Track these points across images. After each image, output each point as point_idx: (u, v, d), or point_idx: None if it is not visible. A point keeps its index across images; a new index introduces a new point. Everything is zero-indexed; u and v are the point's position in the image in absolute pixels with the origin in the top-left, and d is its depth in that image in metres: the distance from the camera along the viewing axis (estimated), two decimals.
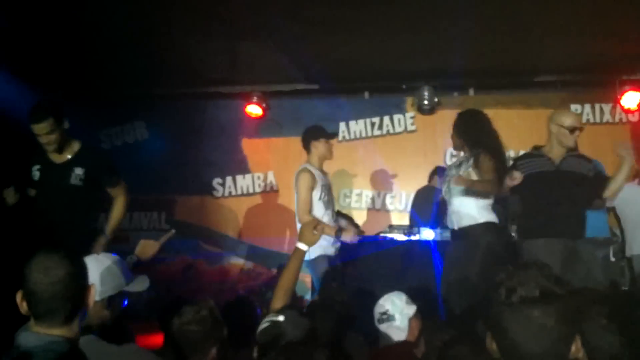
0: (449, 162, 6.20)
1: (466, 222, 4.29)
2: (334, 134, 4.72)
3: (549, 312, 1.55)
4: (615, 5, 4.77)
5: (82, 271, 1.85)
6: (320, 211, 4.59)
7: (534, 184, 4.05)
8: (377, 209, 6.79)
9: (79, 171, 4.05)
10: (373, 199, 6.86)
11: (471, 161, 4.25)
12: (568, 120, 4.03)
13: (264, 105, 6.82)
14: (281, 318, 2.35)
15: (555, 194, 4.00)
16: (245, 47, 5.73)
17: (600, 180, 4.14)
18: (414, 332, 3.04)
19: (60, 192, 4.05)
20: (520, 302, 1.56)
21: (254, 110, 6.84)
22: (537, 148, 4.26)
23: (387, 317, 3.07)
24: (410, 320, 3.04)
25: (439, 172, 5.84)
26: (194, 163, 7.01)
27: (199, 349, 2.46)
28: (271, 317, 2.38)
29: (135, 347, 2.55)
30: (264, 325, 2.38)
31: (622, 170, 3.99)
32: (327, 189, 4.77)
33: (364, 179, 6.89)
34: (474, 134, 4.36)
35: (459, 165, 4.43)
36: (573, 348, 1.60)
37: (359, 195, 6.90)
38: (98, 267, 2.38)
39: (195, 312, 2.52)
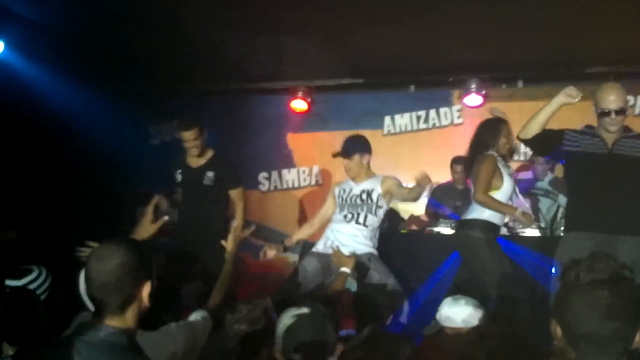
0: None
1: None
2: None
3: (618, 293, 1.54)
4: None
5: (138, 263, 1.85)
6: None
7: (581, 167, 3.68)
8: (422, 203, 6.72)
9: (210, 174, 4.88)
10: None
11: None
12: (601, 103, 3.56)
13: (308, 99, 6.85)
14: (306, 310, 2.30)
15: (601, 182, 3.57)
16: (290, 42, 5.74)
17: None
18: None
19: (196, 191, 4.91)
20: (589, 284, 1.56)
21: (299, 105, 6.88)
22: (590, 127, 3.80)
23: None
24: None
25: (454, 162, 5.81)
26: (240, 158, 7.06)
27: (248, 349, 2.48)
28: (295, 311, 2.32)
29: (172, 331, 2.59)
30: (289, 320, 2.29)
31: None
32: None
33: (409, 173, 6.83)
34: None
35: None
36: (637, 337, 1.58)
37: None
38: None
39: (249, 312, 2.52)
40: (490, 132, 4.32)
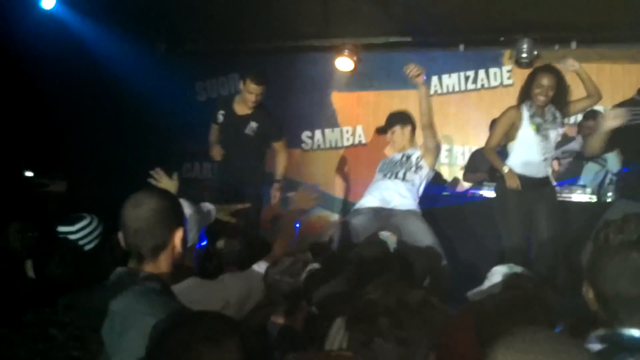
0: None
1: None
2: None
3: None
4: None
5: (170, 210, 1.90)
6: None
7: (635, 137, 3.58)
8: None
9: (253, 124, 4.97)
10: (463, 155, 6.71)
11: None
12: None
13: (355, 58, 6.77)
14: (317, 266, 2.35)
15: None
16: None
17: None
18: None
19: (235, 138, 5.00)
20: (619, 245, 1.60)
21: (344, 63, 6.81)
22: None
23: None
24: None
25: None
26: (284, 116, 7.07)
27: (289, 301, 2.53)
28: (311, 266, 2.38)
29: (228, 277, 2.67)
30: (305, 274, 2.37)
31: None
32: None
33: (455, 134, 6.75)
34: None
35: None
36: None
37: (449, 150, 6.78)
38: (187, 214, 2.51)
39: (291, 264, 2.57)
40: (526, 82, 4.28)
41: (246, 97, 4.89)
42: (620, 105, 3.70)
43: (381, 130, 4.98)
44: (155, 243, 1.84)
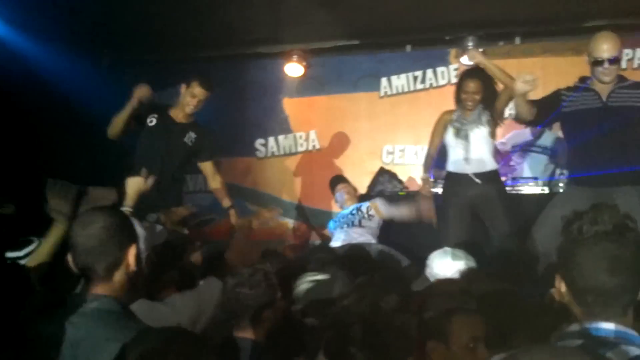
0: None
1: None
2: None
3: (622, 245, 1.53)
4: None
5: (122, 227, 1.85)
6: None
7: (577, 123, 3.59)
8: (421, 164, 6.70)
9: (192, 135, 4.71)
10: (417, 155, 6.77)
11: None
12: (594, 52, 3.48)
13: (304, 63, 6.76)
14: (325, 276, 2.34)
15: (597, 135, 3.48)
16: (285, 4, 5.65)
17: None
18: None
19: (171, 145, 4.67)
20: (593, 237, 1.54)
21: (294, 69, 6.79)
22: (583, 80, 3.69)
23: None
24: None
25: None
26: (236, 125, 7.04)
27: (249, 312, 2.49)
28: (313, 277, 2.36)
29: (179, 299, 2.61)
30: (307, 285, 2.35)
31: None
32: None
33: (407, 134, 6.80)
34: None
35: None
36: None
37: (402, 151, 6.83)
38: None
39: (250, 276, 2.53)
40: (455, 88, 4.48)
41: (187, 102, 4.65)
42: (567, 89, 3.72)
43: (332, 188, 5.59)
44: (108, 262, 1.79)
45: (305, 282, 2.38)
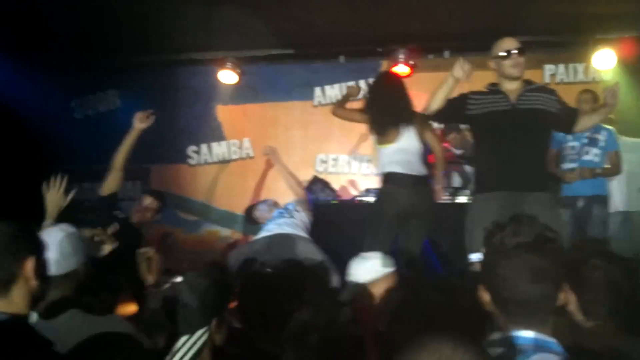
0: None
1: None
2: None
3: (543, 254, 1.57)
4: None
5: (16, 239, 1.76)
6: None
7: (486, 127, 3.59)
8: (354, 174, 6.79)
9: None
10: (349, 164, 6.85)
11: None
12: (499, 47, 3.53)
13: (238, 71, 6.73)
14: (179, 279, 2.34)
15: (506, 139, 3.48)
16: (218, 11, 5.61)
17: (567, 114, 3.64)
18: None
19: None
20: (515, 248, 1.58)
21: (228, 76, 6.75)
22: (493, 84, 3.67)
23: None
24: None
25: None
26: (168, 131, 6.93)
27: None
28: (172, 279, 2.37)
29: (118, 317, 2.54)
30: (165, 286, 2.36)
31: (600, 111, 3.67)
32: None
33: (340, 144, 6.87)
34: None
35: None
36: (561, 296, 1.63)
37: (336, 160, 6.89)
38: (58, 239, 2.37)
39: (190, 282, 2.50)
40: None
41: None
42: (475, 93, 3.69)
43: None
44: (2, 277, 1.68)
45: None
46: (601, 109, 3.68)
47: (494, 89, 3.61)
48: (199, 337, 1.98)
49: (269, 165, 6.42)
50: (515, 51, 3.49)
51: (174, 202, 6.83)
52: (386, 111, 4.36)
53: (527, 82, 3.62)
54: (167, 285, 2.36)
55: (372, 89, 4.67)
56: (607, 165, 4.99)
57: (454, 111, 3.63)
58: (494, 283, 1.62)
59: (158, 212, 4.68)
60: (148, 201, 4.64)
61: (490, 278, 1.63)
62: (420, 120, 4.30)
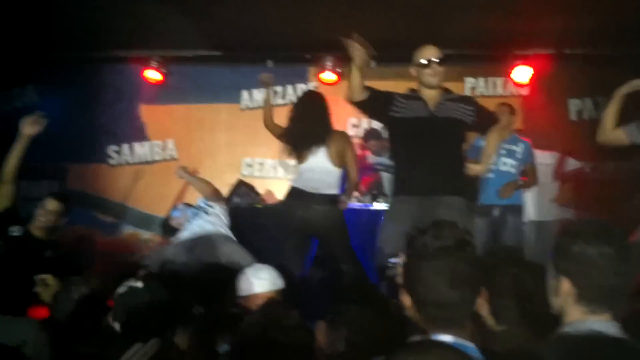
0: (350, 132, 6.24)
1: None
2: None
3: (463, 258, 1.62)
4: None
5: None
6: None
7: (404, 131, 3.65)
8: (279, 178, 6.79)
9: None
10: (275, 168, 6.85)
11: None
12: (420, 55, 3.60)
13: (163, 70, 6.62)
14: (140, 284, 2.33)
15: (423, 145, 3.55)
16: (144, 9, 5.50)
17: (483, 123, 3.73)
18: None
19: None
20: (436, 251, 1.61)
21: (152, 75, 6.62)
22: (414, 90, 3.74)
23: None
24: None
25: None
26: (88, 130, 6.73)
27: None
28: (130, 283, 2.35)
29: (30, 320, 2.47)
30: (122, 289, 2.34)
31: (498, 134, 3.77)
32: None
33: (267, 148, 6.85)
34: None
35: None
36: (479, 300, 1.69)
37: (262, 164, 6.88)
38: None
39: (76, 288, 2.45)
40: None
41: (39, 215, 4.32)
42: (400, 95, 3.76)
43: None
44: None
45: (122, 287, 2.36)
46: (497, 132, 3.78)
47: (414, 95, 3.68)
48: (152, 345, 1.97)
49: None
50: (436, 60, 3.57)
51: (92, 202, 6.64)
52: (300, 133, 4.44)
53: (447, 91, 3.71)
54: (123, 290, 2.30)
55: (294, 107, 4.68)
56: (522, 177, 5.21)
57: (379, 108, 3.69)
58: (414, 286, 1.64)
59: (63, 215, 4.41)
60: (52, 205, 4.37)
61: (410, 281, 1.66)
62: (340, 140, 4.37)
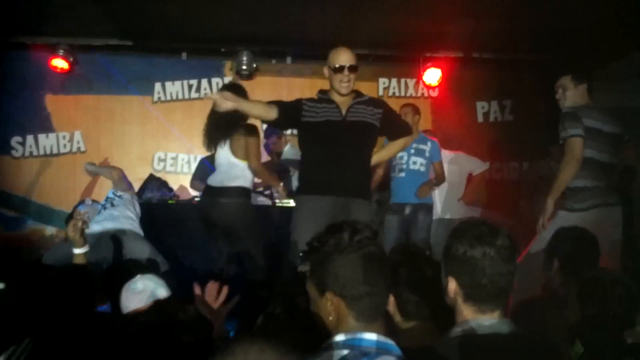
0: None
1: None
2: None
3: (377, 251, 1.68)
4: None
5: None
6: None
7: (316, 134, 3.65)
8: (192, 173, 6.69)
9: None
10: (189, 163, 6.75)
11: None
12: (334, 59, 3.61)
13: (71, 59, 6.36)
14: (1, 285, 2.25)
15: (335, 148, 3.60)
16: None
17: (389, 127, 3.84)
18: None
19: None
20: (357, 243, 1.67)
21: (59, 64, 6.35)
22: (324, 93, 3.76)
23: None
24: None
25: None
26: None
27: None
28: None
29: None
30: None
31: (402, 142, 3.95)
32: None
33: (180, 142, 6.75)
34: None
35: None
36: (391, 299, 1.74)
37: (175, 159, 6.75)
38: None
39: None
40: None
41: None
42: (309, 100, 3.74)
43: None
44: None
45: None
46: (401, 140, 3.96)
47: (325, 98, 3.72)
48: (26, 345, 1.89)
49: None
50: (347, 68, 3.59)
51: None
52: (210, 127, 4.44)
53: (357, 94, 3.75)
54: None
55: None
56: (432, 175, 5.38)
57: (291, 118, 3.69)
58: (340, 283, 1.66)
59: None
60: None
61: (331, 281, 1.67)
62: (243, 132, 4.36)
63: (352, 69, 3.60)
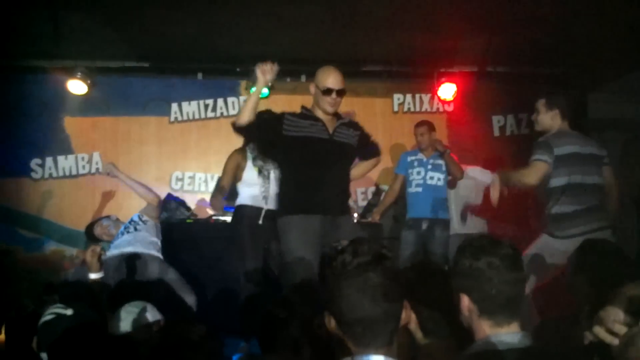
0: None
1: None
2: None
3: (382, 271, 1.63)
4: (434, 2, 5.11)
5: None
6: None
7: (303, 151, 3.64)
8: (210, 192, 6.72)
9: None
10: (206, 182, 6.79)
11: None
12: (324, 82, 3.59)
13: (88, 81, 6.44)
14: (69, 312, 2.27)
15: (323, 166, 3.62)
16: (70, 17, 5.36)
17: (364, 149, 3.96)
18: None
19: None
20: (356, 269, 1.62)
21: (77, 86, 6.42)
22: (308, 110, 3.74)
23: None
24: None
25: None
26: (9, 142, 6.47)
27: None
28: (57, 310, 2.28)
29: None
30: (48, 317, 2.27)
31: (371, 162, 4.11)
32: None
33: (197, 161, 6.80)
34: None
35: None
36: (403, 314, 1.70)
37: (192, 178, 6.80)
38: None
39: None
40: None
41: None
42: (294, 115, 3.72)
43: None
44: None
45: (48, 314, 2.28)
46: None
47: (309, 114, 3.70)
48: None
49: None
50: (336, 92, 3.58)
51: (13, 218, 6.38)
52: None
53: (339, 116, 3.76)
54: (49, 317, 2.22)
55: None
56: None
57: (271, 130, 3.65)
58: (338, 306, 1.63)
59: None
60: None
61: (335, 302, 1.64)
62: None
63: (340, 93, 3.60)
